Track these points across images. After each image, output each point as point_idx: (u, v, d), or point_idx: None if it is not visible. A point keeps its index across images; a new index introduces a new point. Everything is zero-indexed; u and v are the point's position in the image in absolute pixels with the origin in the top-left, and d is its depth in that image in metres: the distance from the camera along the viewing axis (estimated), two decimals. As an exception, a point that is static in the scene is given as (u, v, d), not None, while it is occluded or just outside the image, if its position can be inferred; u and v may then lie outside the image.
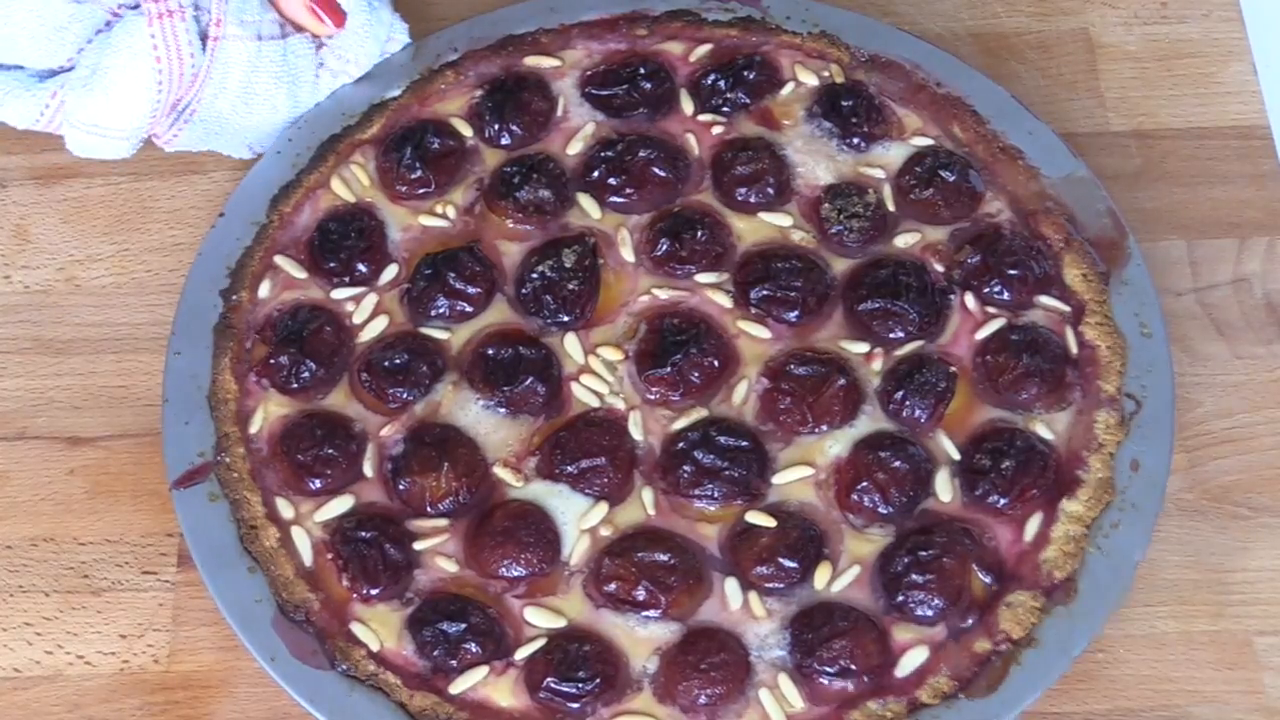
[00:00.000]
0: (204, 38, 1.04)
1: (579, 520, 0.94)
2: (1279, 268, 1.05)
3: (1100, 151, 1.06)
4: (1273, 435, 0.99)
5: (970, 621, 0.90)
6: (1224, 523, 0.95)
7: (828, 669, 0.89)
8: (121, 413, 1.02)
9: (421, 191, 1.05)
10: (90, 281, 1.07)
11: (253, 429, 0.97)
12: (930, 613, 0.90)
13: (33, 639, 0.95)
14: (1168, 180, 1.08)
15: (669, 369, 0.97)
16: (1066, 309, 0.98)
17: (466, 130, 1.07)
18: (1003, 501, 0.92)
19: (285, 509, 0.94)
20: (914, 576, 0.90)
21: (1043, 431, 0.95)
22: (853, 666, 0.88)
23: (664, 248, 1.01)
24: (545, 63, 1.09)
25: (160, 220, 1.09)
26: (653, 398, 0.97)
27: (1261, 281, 1.04)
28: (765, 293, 0.99)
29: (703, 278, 1.01)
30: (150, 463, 1.00)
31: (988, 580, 0.91)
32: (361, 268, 1.01)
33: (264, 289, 1.01)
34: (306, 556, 0.93)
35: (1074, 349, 0.97)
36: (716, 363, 0.98)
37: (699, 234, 1.01)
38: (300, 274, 1.02)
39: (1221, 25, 1.14)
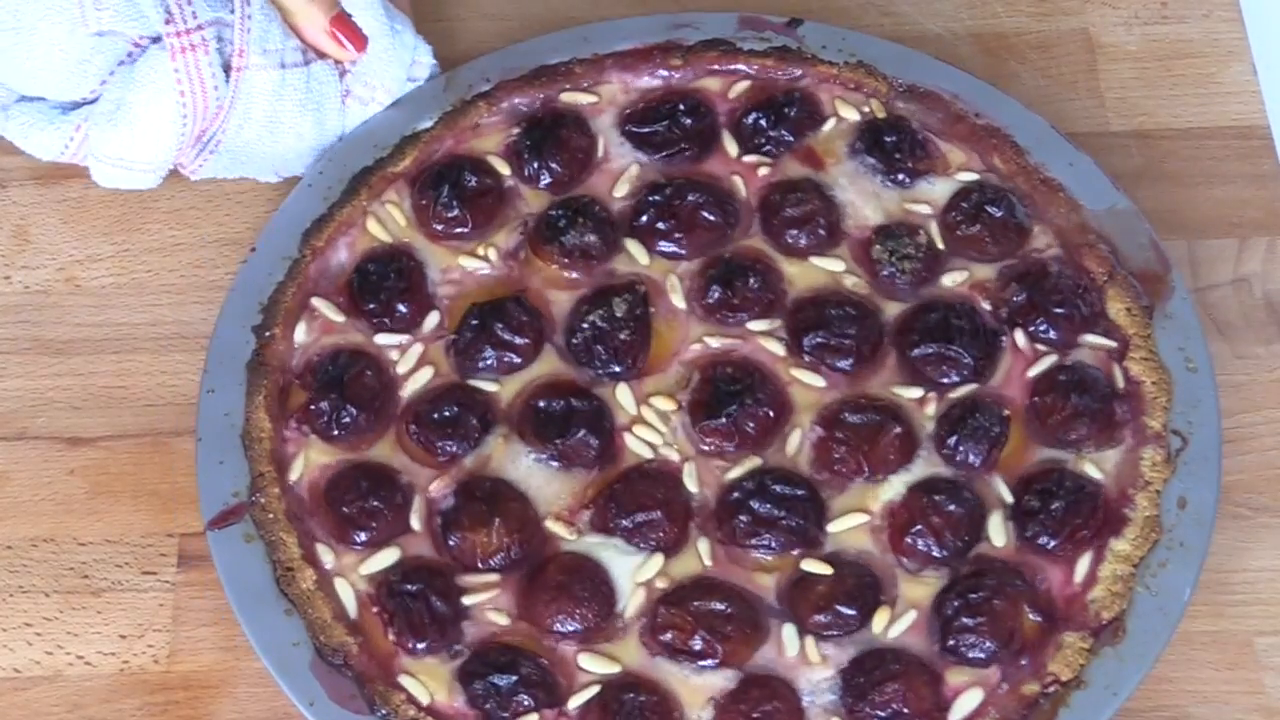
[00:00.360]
0: (227, 68, 1.01)
1: (634, 573, 0.91)
2: (1279, 268, 1.03)
3: (1100, 151, 1.03)
4: (1273, 435, 0.98)
5: (1024, 663, 0.88)
6: (1224, 523, 0.93)
7: (879, 713, 0.86)
8: (121, 413, 1.00)
9: (459, 231, 1.01)
10: (90, 281, 1.04)
11: (292, 476, 0.94)
12: (982, 656, 0.88)
13: (33, 639, 0.93)
14: (1168, 180, 1.06)
15: (724, 420, 0.94)
16: (1113, 345, 0.96)
17: (504, 169, 1.04)
18: (1053, 543, 0.90)
19: (325, 554, 0.92)
20: (964, 620, 0.88)
21: (1091, 471, 0.93)
22: (905, 710, 0.86)
23: (715, 295, 0.98)
24: (582, 99, 1.06)
25: (160, 220, 1.06)
26: (707, 449, 0.95)
27: (1261, 281, 1.03)
28: (819, 340, 0.97)
29: (755, 325, 0.98)
30: (150, 463, 0.98)
31: (1040, 621, 0.89)
32: (401, 308, 0.98)
33: (301, 332, 0.98)
34: (351, 609, 0.90)
35: (1120, 385, 0.95)
36: (771, 413, 0.95)
37: (751, 281, 0.98)
38: (338, 317, 0.99)
39: (1222, 25, 1.12)
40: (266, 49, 1.02)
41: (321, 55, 1.04)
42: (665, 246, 1.01)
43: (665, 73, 1.07)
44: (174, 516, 0.97)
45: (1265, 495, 0.96)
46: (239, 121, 1.03)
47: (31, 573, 0.96)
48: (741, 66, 1.07)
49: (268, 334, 0.98)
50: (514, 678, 0.87)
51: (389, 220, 1.02)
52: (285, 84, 1.03)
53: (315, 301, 0.99)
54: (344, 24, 1.04)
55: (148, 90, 1.01)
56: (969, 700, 0.87)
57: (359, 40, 1.04)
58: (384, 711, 0.87)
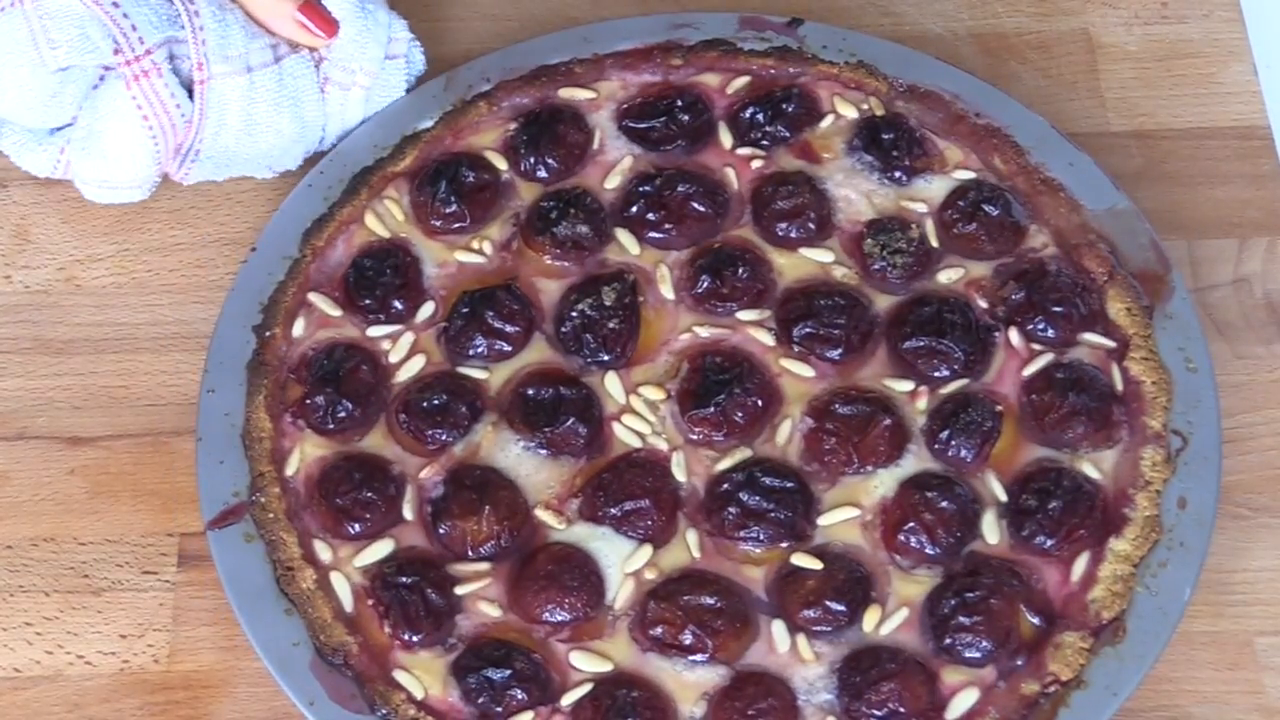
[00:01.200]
0: (192, 83, 1.00)
1: (623, 564, 0.90)
2: (1279, 268, 1.03)
3: (1100, 152, 1.03)
4: (1273, 435, 0.97)
5: (1020, 663, 0.87)
6: (1224, 523, 0.93)
7: (876, 712, 0.85)
8: (121, 413, 0.99)
9: (456, 226, 1.01)
10: (90, 281, 1.04)
11: (289, 470, 0.93)
12: (978, 655, 0.87)
13: (33, 639, 0.93)
14: (1168, 180, 1.06)
15: (713, 409, 0.93)
16: (1112, 345, 0.95)
17: (501, 164, 1.03)
18: (1049, 543, 0.89)
19: (323, 551, 0.91)
20: (961, 619, 0.87)
21: (1089, 470, 0.92)
22: (901, 709, 0.85)
23: (705, 285, 0.98)
24: (580, 95, 1.05)
25: (160, 220, 1.06)
26: (696, 438, 0.94)
27: (1261, 281, 1.02)
28: (808, 330, 0.96)
29: (744, 315, 0.97)
30: (150, 463, 0.98)
31: (1036, 622, 0.88)
32: (397, 305, 0.98)
33: (298, 327, 0.98)
34: (347, 602, 0.89)
35: (1119, 385, 0.94)
36: (760, 402, 0.94)
37: (740, 271, 0.98)
38: (335, 311, 0.98)
39: (1222, 25, 1.12)
40: (228, 55, 1.01)
41: (294, 47, 1.03)
42: (655, 236, 1.01)
43: (663, 76, 1.07)
44: (174, 516, 0.96)
45: (1265, 495, 0.96)
46: (214, 130, 1.02)
47: (32, 572, 0.95)
48: (742, 66, 1.07)
49: (268, 334, 0.97)
50: (508, 672, 0.86)
51: (386, 215, 1.02)
52: (255, 87, 1.02)
53: (312, 296, 0.99)
54: (312, 10, 1.02)
55: (112, 119, 1.00)
56: (965, 699, 0.86)
57: (329, 25, 1.02)
58: (384, 711, 0.86)
